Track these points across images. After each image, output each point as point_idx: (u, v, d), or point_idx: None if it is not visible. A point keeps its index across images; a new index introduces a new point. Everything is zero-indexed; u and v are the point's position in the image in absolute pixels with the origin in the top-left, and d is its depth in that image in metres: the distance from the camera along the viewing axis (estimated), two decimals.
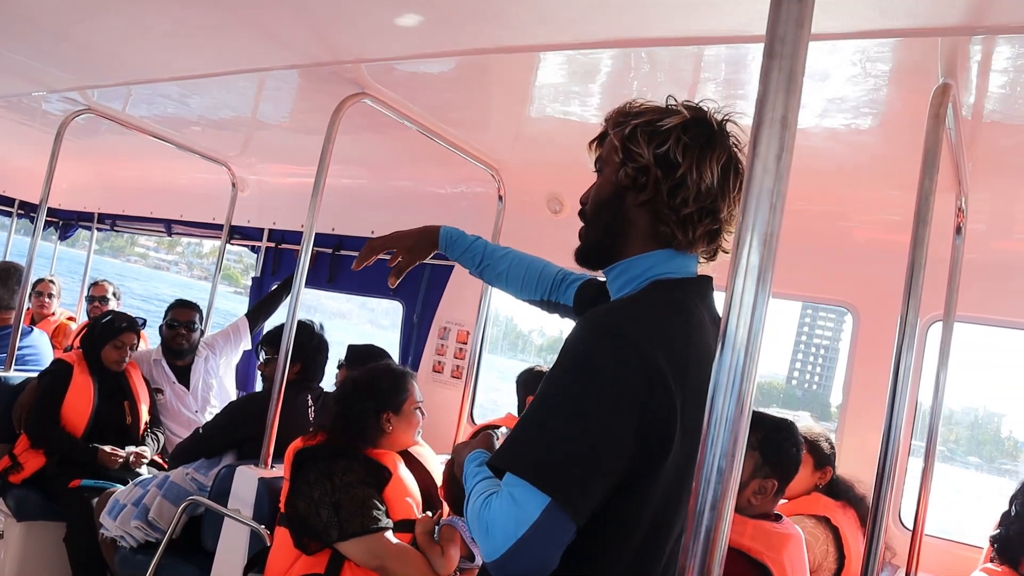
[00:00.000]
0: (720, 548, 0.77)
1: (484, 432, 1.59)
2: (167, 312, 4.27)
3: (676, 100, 1.43)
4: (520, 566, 1.16)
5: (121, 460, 3.58)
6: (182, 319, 4.21)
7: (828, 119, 2.46)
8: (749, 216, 0.79)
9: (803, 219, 3.33)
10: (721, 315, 0.81)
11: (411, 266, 1.92)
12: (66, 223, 6.51)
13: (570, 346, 1.27)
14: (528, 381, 3.49)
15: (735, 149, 1.40)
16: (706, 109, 1.42)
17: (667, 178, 1.35)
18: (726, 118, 1.41)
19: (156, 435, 3.92)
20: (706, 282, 1.44)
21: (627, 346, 1.21)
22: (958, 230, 2.55)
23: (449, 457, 1.81)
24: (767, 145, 0.78)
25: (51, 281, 5.65)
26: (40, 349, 4.40)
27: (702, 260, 1.45)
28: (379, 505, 2.39)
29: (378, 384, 2.57)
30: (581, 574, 1.25)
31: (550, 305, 1.87)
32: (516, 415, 3.62)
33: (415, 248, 1.92)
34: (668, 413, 1.22)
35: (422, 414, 2.63)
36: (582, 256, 1.50)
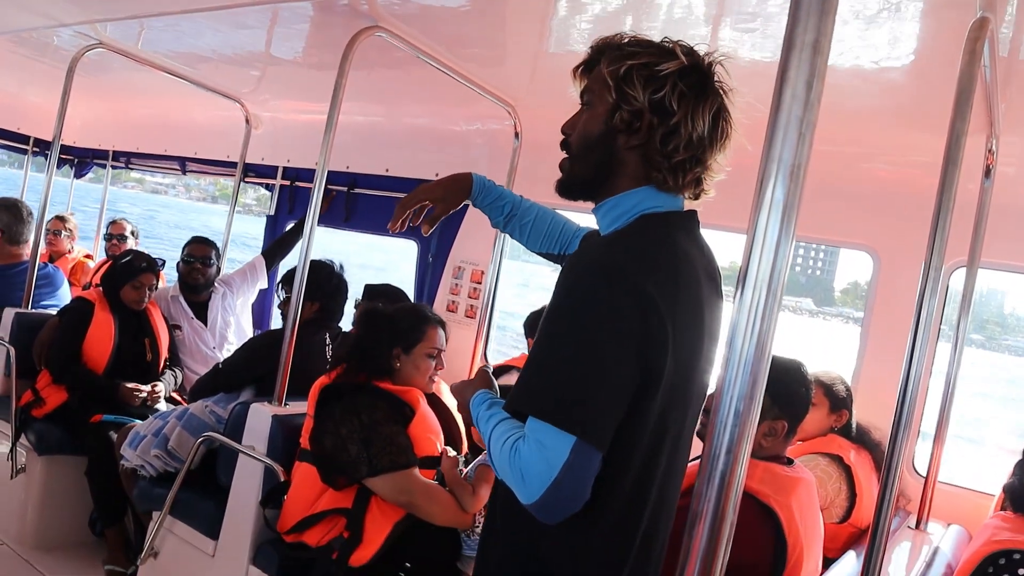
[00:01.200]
0: (735, 493, 0.75)
1: (480, 370, 1.63)
2: (184, 248, 4.28)
3: (670, 40, 1.41)
4: (558, 504, 1.22)
5: (142, 397, 3.62)
6: (197, 254, 4.23)
7: (856, 56, 2.37)
8: (776, 147, 0.74)
9: (824, 160, 3.23)
10: (743, 252, 0.78)
11: (445, 215, 1.87)
12: (81, 160, 6.49)
13: (570, 285, 1.31)
14: (535, 323, 3.49)
15: (723, 95, 1.41)
16: (700, 53, 1.41)
17: (661, 125, 1.37)
18: (717, 62, 1.41)
19: (175, 372, 3.96)
20: (692, 216, 1.47)
21: (623, 280, 1.25)
22: (987, 173, 2.48)
23: None
24: (797, 71, 0.73)
25: (63, 219, 5.65)
26: (57, 286, 4.42)
27: (687, 199, 1.47)
28: (406, 442, 2.41)
29: (395, 320, 2.60)
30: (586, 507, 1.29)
31: (561, 258, 1.90)
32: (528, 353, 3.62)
33: (448, 197, 1.86)
34: (663, 340, 1.26)
35: (438, 362, 2.61)
36: (566, 189, 1.51)
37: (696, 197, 1.47)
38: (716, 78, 1.41)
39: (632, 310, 1.23)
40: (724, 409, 0.76)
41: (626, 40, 1.44)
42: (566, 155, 1.51)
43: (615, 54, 1.41)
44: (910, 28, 2.12)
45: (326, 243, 5.01)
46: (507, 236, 3.79)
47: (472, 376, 1.66)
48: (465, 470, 2.52)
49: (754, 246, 0.75)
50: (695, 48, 1.41)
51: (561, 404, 1.23)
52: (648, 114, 1.37)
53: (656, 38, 1.42)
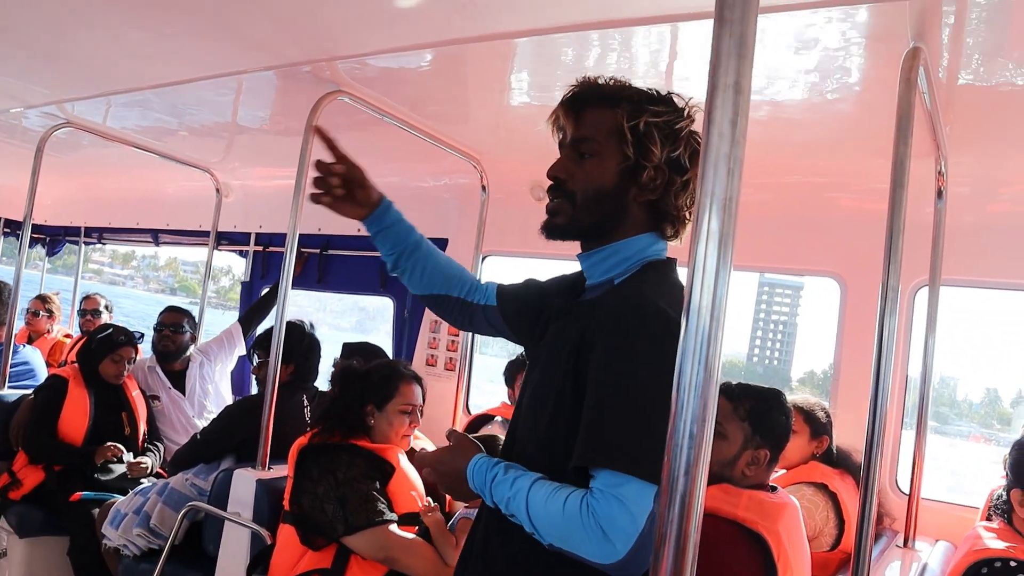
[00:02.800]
0: (696, 514, 0.78)
1: (452, 434, 1.55)
2: (157, 318, 4.29)
3: (678, 95, 1.45)
4: (641, 559, 1.18)
5: (120, 457, 3.58)
6: (168, 322, 4.25)
7: (804, 91, 2.46)
8: (708, 182, 0.79)
9: (787, 192, 3.34)
10: (686, 283, 0.82)
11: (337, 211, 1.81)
12: (53, 239, 6.49)
13: (620, 336, 1.28)
14: (512, 371, 3.55)
15: None
16: (694, 107, 1.45)
17: (678, 181, 1.41)
18: (695, 109, 1.45)
19: (156, 447, 3.93)
20: (675, 263, 1.50)
21: (670, 322, 1.24)
22: (939, 194, 2.56)
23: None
24: (721, 111, 0.79)
25: (44, 299, 5.64)
26: (34, 365, 4.40)
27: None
28: (383, 498, 2.40)
29: (368, 376, 2.61)
30: None
31: (462, 304, 1.82)
32: (509, 403, 3.63)
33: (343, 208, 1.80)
34: None
35: (412, 418, 2.60)
36: (561, 233, 1.48)
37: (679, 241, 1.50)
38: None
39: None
40: (679, 433, 0.79)
41: (626, 87, 1.45)
42: (560, 198, 1.47)
43: (632, 108, 1.41)
44: (851, 61, 2.21)
45: (304, 304, 5.03)
46: None
47: (449, 442, 1.53)
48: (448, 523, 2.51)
49: (695, 275, 0.80)
50: (688, 102, 1.45)
51: (642, 456, 1.19)
52: (666, 171, 1.40)
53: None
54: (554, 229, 1.48)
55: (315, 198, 1.75)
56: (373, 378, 2.60)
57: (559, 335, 1.43)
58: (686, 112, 1.43)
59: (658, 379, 1.20)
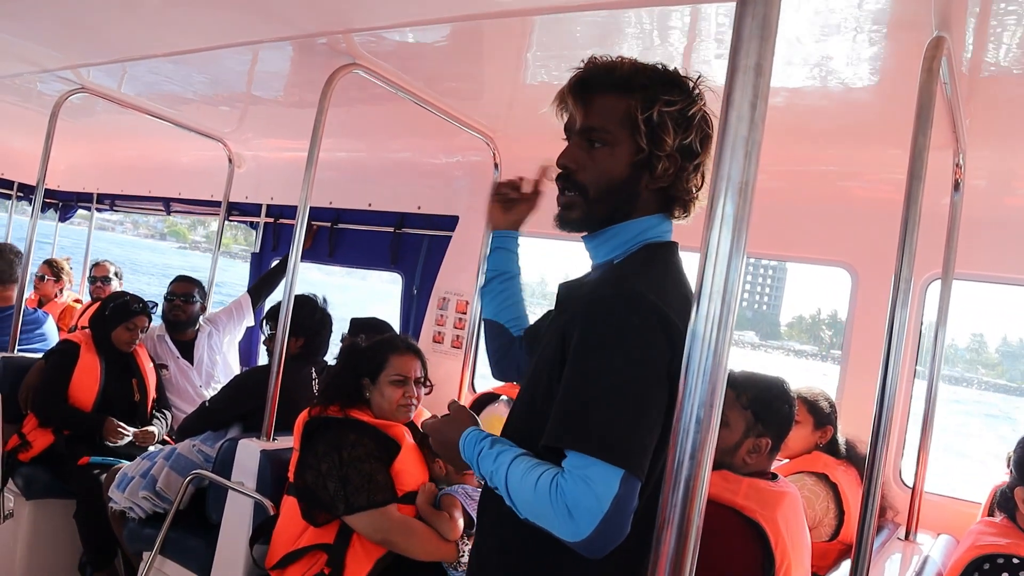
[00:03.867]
0: (699, 498, 0.78)
1: (454, 405, 1.59)
2: (168, 287, 4.30)
3: (681, 72, 1.42)
4: (606, 539, 1.20)
5: (126, 436, 3.61)
6: (179, 292, 4.27)
7: (824, 78, 2.44)
8: (724, 166, 0.78)
9: (802, 180, 3.32)
10: (697, 267, 0.81)
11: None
12: (65, 204, 6.52)
13: (596, 319, 1.29)
14: None
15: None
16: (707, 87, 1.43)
17: (690, 167, 1.41)
18: (704, 88, 1.43)
19: (164, 415, 3.95)
20: (677, 246, 1.50)
21: (648, 306, 1.27)
22: (956, 186, 2.54)
23: None
24: (741, 93, 0.78)
25: (52, 263, 5.66)
26: (45, 329, 4.42)
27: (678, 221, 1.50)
28: (386, 479, 2.42)
29: (361, 350, 2.65)
30: None
31: (511, 339, 1.88)
32: (515, 382, 3.63)
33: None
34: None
35: (408, 389, 2.59)
36: (576, 226, 1.48)
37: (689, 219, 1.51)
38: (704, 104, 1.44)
39: (660, 338, 1.25)
40: (686, 417, 0.79)
41: (638, 69, 1.41)
42: (572, 192, 1.45)
43: (644, 96, 1.38)
44: (872, 49, 2.19)
45: (316, 279, 5.05)
46: None
47: (448, 405, 1.60)
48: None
49: (707, 261, 0.79)
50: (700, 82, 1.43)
51: (606, 438, 1.21)
52: (678, 158, 1.39)
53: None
54: (570, 224, 1.47)
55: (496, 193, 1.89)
56: (365, 351, 2.64)
57: (554, 321, 1.46)
58: (697, 94, 1.41)
59: (631, 364, 1.24)
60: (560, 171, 1.47)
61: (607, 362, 1.25)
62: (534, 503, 1.26)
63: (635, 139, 1.38)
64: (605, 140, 1.41)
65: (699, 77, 1.43)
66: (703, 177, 1.43)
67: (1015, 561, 1.83)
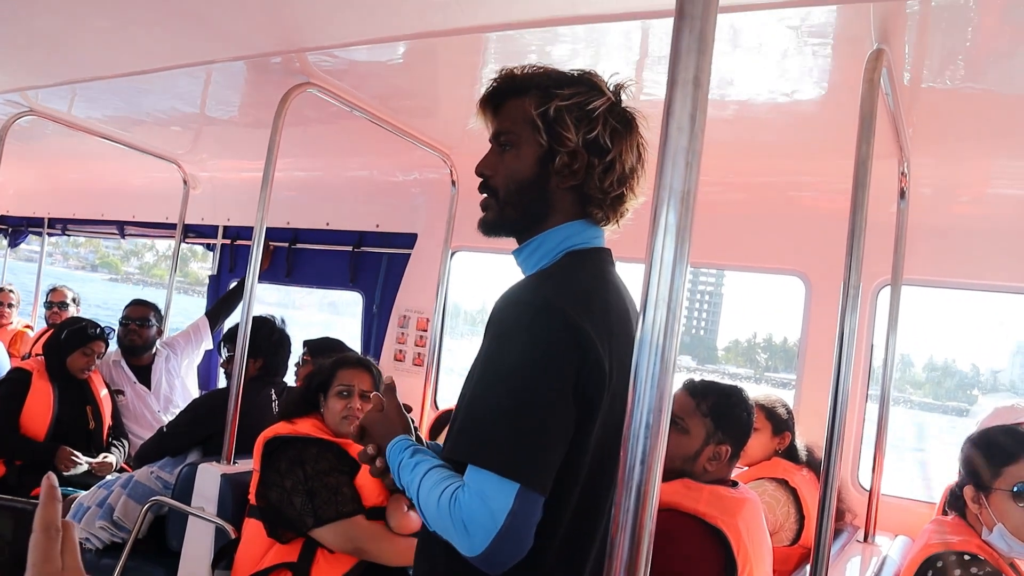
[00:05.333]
0: (651, 503, 0.79)
1: (388, 390, 1.55)
2: (123, 311, 4.23)
3: (587, 72, 1.42)
4: (503, 554, 1.18)
5: (80, 464, 3.53)
6: (135, 316, 4.19)
7: (770, 91, 2.50)
8: (666, 176, 0.80)
9: (754, 191, 3.38)
10: (643, 276, 0.83)
11: None
12: (15, 230, 6.37)
13: (502, 327, 1.28)
14: None
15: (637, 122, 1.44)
16: (618, 85, 1.43)
17: (599, 163, 1.37)
18: (622, 87, 1.43)
19: (122, 443, 3.87)
20: (609, 253, 1.47)
21: (554, 316, 1.24)
22: (902, 194, 2.61)
23: None
24: (681, 105, 0.80)
25: (10, 291, 5.55)
26: None
27: (607, 231, 1.47)
28: (351, 491, 2.42)
29: (321, 366, 2.67)
30: None
31: None
32: None
33: None
34: (599, 375, 1.25)
35: (353, 400, 2.56)
36: (493, 229, 1.48)
37: (618, 226, 1.47)
38: (627, 106, 1.43)
39: (568, 348, 1.22)
40: (636, 423, 0.80)
41: (539, 72, 1.42)
42: (487, 195, 1.48)
43: (540, 94, 1.39)
44: (816, 62, 2.25)
45: (275, 300, 5.00)
46: (449, 283, 3.83)
47: (382, 394, 1.54)
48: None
49: (652, 269, 0.81)
50: (609, 81, 1.43)
51: (501, 451, 1.19)
52: (584, 154, 1.37)
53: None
54: (486, 226, 1.49)
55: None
56: (322, 366, 2.66)
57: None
58: (602, 90, 1.40)
59: (531, 375, 1.22)
60: (480, 180, 1.49)
61: (507, 372, 1.24)
62: (438, 517, 1.24)
63: (536, 137, 1.38)
64: (511, 142, 1.43)
65: (614, 75, 1.43)
66: (623, 177, 1.40)
67: (966, 557, 1.87)
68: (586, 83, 1.40)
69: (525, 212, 1.43)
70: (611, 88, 1.42)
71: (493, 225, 1.47)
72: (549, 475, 1.21)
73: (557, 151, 1.38)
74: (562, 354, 1.22)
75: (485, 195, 1.48)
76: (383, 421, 1.48)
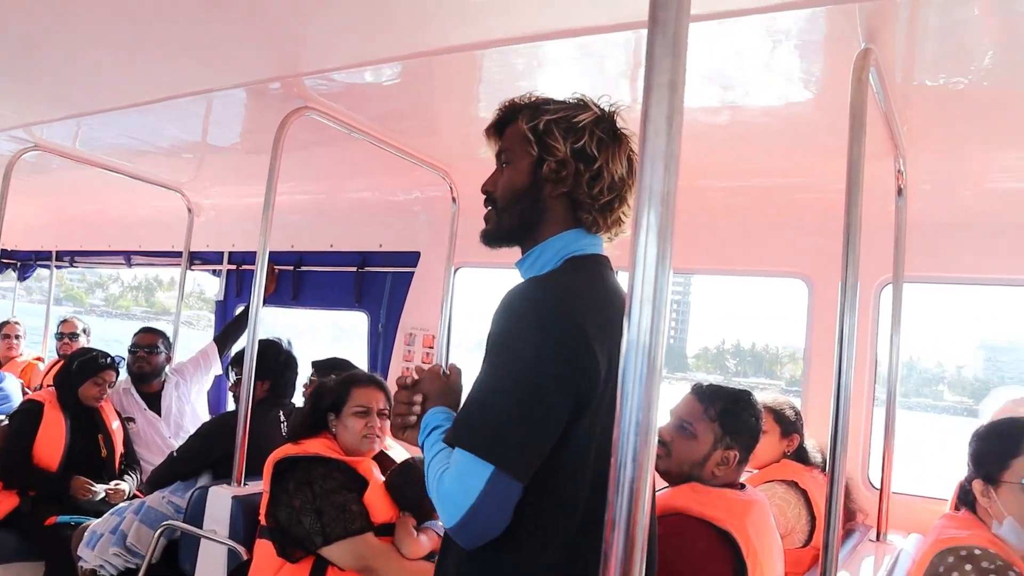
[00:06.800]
0: (643, 499, 0.80)
1: (456, 375, 1.65)
2: (132, 339, 4.27)
3: (580, 94, 1.54)
4: (475, 529, 1.29)
5: (94, 492, 3.56)
6: (143, 343, 4.23)
7: (762, 95, 2.51)
8: (646, 178, 0.82)
9: (752, 195, 3.39)
10: (628, 277, 0.84)
11: None
12: (24, 264, 6.44)
13: (497, 323, 1.37)
14: None
15: (629, 140, 1.55)
16: (608, 105, 1.54)
17: (586, 171, 1.49)
18: (616, 111, 1.54)
19: (134, 471, 3.90)
20: (607, 260, 1.56)
21: (549, 312, 1.33)
22: (899, 192, 2.62)
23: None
24: (657, 108, 0.82)
25: (15, 323, 5.61)
26: (10, 392, 4.36)
27: (605, 240, 1.57)
28: (360, 508, 2.42)
29: (325, 386, 2.68)
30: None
31: None
32: None
33: None
34: (593, 372, 1.32)
35: (371, 419, 2.58)
36: (493, 239, 1.60)
37: (615, 236, 1.57)
38: (619, 126, 1.53)
39: (563, 344, 1.31)
40: (626, 421, 0.81)
41: (534, 99, 1.57)
42: (489, 208, 1.60)
43: (531, 112, 1.53)
44: (805, 64, 2.26)
45: (285, 323, 5.02)
46: (453, 299, 3.85)
47: (448, 369, 1.67)
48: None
49: (636, 269, 0.82)
50: (599, 101, 1.54)
51: (480, 435, 1.30)
52: (572, 162, 1.48)
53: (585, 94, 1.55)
54: (486, 236, 1.61)
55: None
56: (329, 386, 2.67)
57: None
58: (588, 106, 1.51)
59: (519, 366, 1.32)
60: (484, 199, 1.63)
61: (498, 364, 1.34)
62: (431, 486, 1.36)
63: (528, 150, 1.51)
64: (509, 159, 1.57)
65: (602, 97, 1.55)
66: (612, 186, 1.49)
67: (977, 552, 1.87)
68: (575, 103, 1.53)
69: (521, 218, 1.54)
70: (603, 108, 1.54)
71: (493, 235, 1.60)
72: (527, 462, 1.30)
73: (548, 160, 1.50)
74: (554, 350, 1.31)
75: (488, 209, 1.61)
76: (443, 386, 1.60)
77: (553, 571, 1.36)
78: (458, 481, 1.29)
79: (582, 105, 1.52)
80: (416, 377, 1.62)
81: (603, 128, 1.50)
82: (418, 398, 1.58)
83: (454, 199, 3.80)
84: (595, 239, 1.54)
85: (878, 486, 2.69)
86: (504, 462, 1.27)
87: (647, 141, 0.82)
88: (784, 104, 2.56)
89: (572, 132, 1.49)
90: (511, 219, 1.55)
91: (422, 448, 1.48)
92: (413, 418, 1.57)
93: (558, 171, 1.49)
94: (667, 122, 0.81)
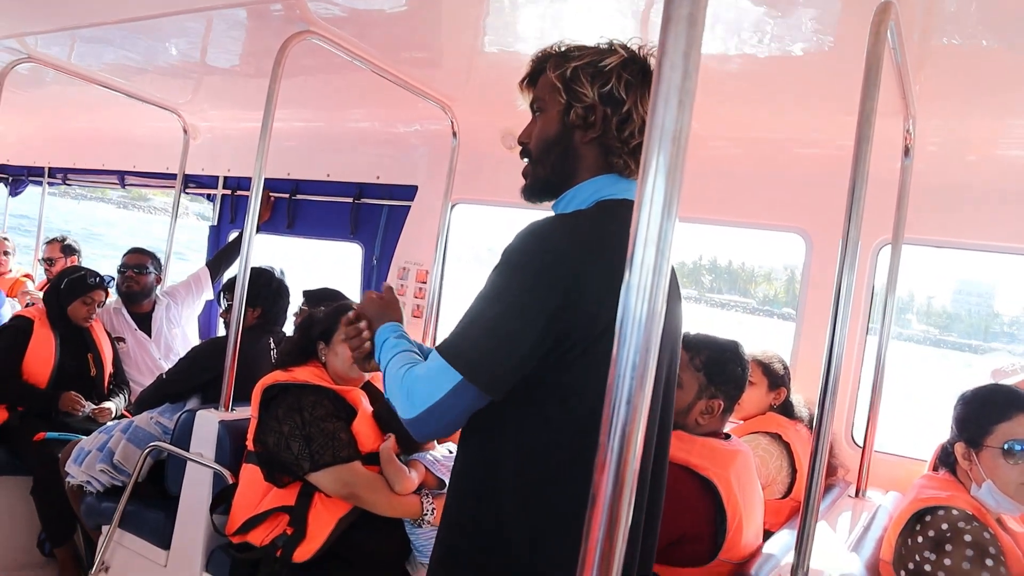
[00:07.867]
0: (635, 443, 0.79)
1: (390, 295, 1.73)
2: (121, 260, 4.25)
3: (607, 39, 1.54)
4: (428, 426, 1.38)
5: (83, 408, 3.57)
6: (132, 263, 4.22)
7: (775, 45, 2.45)
8: (658, 115, 0.79)
9: (756, 147, 3.35)
10: (632, 218, 0.82)
11: None
12: (16, 179, 6.35)
13: (507, 251, 1.40)
14: None
15: None
16: (636, 47, 1.53)
17: (615, 114, 1.49)
18: (649, 54, 1.53)
19: (123, 390, 3.91)
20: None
21: (552, 247, 1.35)
22: (906, 152, 2.58)
23: None
24: (674, 42, 0.78)
25: (4, 239, 5.55)
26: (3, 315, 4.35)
27: None
28: (348, 436, 2.45)
29: (315, 316, 2.69)
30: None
31: None
32: None
33: None
34: (586, 320, 1.33)
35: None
36: (532, 192, 1.61)
37: None
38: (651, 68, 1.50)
39: (558, 280, 1.32)
40: (622, 363, 0.80)
41: (564, 47, 1.56)
42: (526, 159, 1.61)
43: (558, 60, 1.53)
44: (823, 15, 2.21)
45: (281, 252, 4.99)
46: (449, 235, 3.83)
47: (384, 294, 1.75)
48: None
49: (642, 210, 0.80)
50: (629, 43, 1.53)
51: (458, 346, 1.36)
52: (600, 107, 1.49)
53: (591, 36, 1.55)
54: (526, 191, 1.62)
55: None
56: (319, 316, 2.68)
57: None
58: (615, 50, 1.51)
59: (504, 291, 1.36)
60: (520, 148, 1.63)
61: (490, 283, 1.39)
62: (393, 382, 1.44)
63: (557, 98, 1.52)
64: (540, 107, 1.58)
65: (631, 39, 1.55)
66: (642, 127, 1.46)
67: (954, 512, 1.90)
68: (602, 48, 1.53)
69: (554, 168, 1.56)
70: (633, 49, 1.53)
71: (531, 189, 1.61)
72: (497, 379, 1.35)
73: (577, 106, 1.50)
74: (546, 282, 1.33)
75: (525, 161, 1.62)
76: (381, 306, 1.69)
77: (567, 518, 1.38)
78: (426, 380, 1.36)
79: (610, 49, 1.52)
80: (354, 313, 1.71)
81: (631, 70, 1.50)
82: (363, 325, 1.67)
83: (455, 133, 3.74)
84: (630, 184, 1.53)
85: (861, 444, 2.72)
86: (473, 375, 1.33)
87: (662, 76, 0.79)
88: (796, 56, 2.50)
89: (599, 76, 1.48)
90: (544, 170, 1.57)
91: (381, 364, 1.54)
92: (368, 344, 1.66)
93: (586, 116, 1.49)
94: (684, 57, 0.78)
